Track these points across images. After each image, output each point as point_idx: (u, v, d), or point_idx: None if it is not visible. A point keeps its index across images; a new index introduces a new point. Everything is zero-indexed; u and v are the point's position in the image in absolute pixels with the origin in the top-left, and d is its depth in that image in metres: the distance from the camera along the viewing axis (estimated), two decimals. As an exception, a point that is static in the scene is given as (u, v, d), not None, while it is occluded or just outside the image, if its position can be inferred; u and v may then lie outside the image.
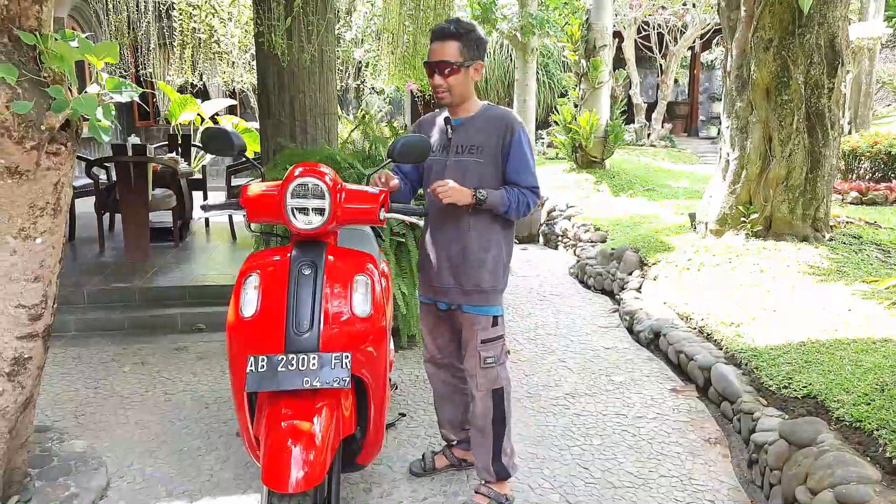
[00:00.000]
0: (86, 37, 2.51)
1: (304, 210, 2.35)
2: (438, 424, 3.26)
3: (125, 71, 12.62)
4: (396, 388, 4.13)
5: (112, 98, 2.50)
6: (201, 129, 11.45)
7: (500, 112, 2.83)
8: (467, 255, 2.81)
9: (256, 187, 2.52)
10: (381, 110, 17.79)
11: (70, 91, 2.55)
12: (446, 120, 2.86)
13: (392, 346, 3.42)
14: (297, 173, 2.36)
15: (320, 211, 2.35)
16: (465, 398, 3.16)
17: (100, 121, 2.37)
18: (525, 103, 14.17)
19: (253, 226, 2.69)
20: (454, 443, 3.23)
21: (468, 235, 2.80)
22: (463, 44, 2.69)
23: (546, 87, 17.76)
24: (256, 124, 7.84)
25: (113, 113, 2.51)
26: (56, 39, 2.38)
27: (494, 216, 2.81)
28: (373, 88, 17.04)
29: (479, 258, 2.82)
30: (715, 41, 18.95)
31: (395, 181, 2.81)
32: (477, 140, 2.79)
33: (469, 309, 2.86)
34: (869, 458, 2.76)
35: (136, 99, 2.62)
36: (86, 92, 2.44)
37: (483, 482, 2.97)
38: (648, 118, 18.06)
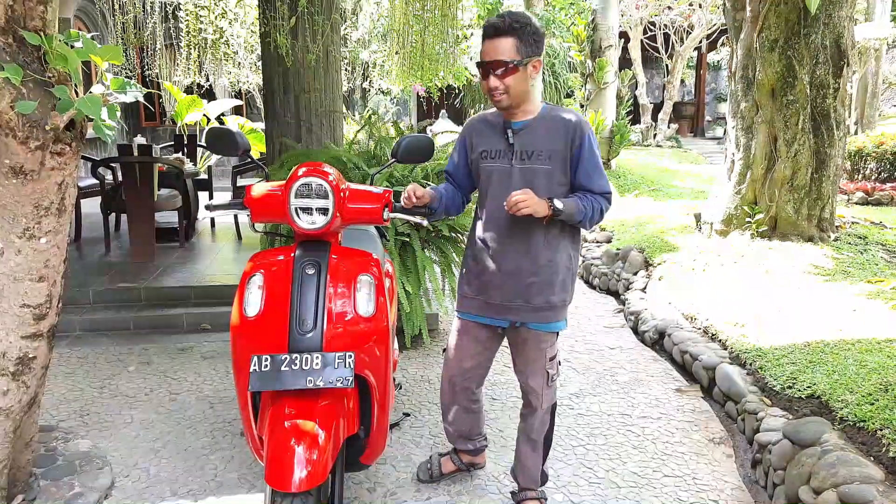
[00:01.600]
0: (91, 37, 2.52)
1: (307, 210, 2.35)
2: (445, 430, 3.18)
3: (131, 71, 12.66)
4: (401, 388, 4.13)
5: (116, 98, 2.50)
6: (206, 129, 11.49)
7: (566, 114, 2.58)
8: (537, 269, 2.59)
9: (260, 187, 2.53)
10: (387, 111, 17.81)
11: (75, 91, 2.56)
12: (505, 124, 2.61)
13: (396, 345, 3.42)
14: (300, 173, 2.36)
15: (324, 211, 2.35)
16: (475, 416, 3.05)
17: (104, 121, 2.38)
18: (530, 103, 14.08)
19: (257, 226, 2.69)
20: (461, 446, 3.19)
21: (538, 248, 2.58)
22: (519, 39, 2.43)
23: (552, 88, 17.72)
24: (262, 125, 7.86)
25: (118, 113, 2.52)
26: (60, 40, 2.39)
27: (563, 225, 2.59)
28: (379, 89, 17.06)
29: (550, 271, 2.61)
30: (721, 41, 18.95)
31: (423, 191, 2.60)
32: (544, 145, 2.54)
33: (537, 326, 2.67)
34: (872, 458, 2.75)
35: (142, 99, 2.63)
36: (90, 92, 2.45)
37: (525, 492, 2.90)
38: (654, 119, 18.04)
